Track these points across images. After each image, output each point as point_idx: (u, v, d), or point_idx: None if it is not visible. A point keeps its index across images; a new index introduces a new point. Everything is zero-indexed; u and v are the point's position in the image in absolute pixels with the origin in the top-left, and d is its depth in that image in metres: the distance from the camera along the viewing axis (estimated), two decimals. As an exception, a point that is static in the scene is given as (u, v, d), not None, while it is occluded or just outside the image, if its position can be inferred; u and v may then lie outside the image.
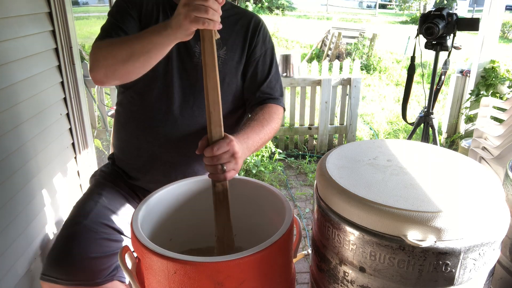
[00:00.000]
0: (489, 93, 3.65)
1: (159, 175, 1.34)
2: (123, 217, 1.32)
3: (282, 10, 18.69)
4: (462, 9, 17.79)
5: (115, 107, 1.49)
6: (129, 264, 0.96)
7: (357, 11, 23.93)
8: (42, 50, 1.93)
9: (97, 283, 1.17)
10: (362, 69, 7.97)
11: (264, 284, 0.89)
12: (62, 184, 2.09)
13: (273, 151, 3.92)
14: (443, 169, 1.06)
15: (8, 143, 1.64)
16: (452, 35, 2.29)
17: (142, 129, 1.33)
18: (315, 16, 18.64)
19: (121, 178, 1.42)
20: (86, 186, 2.14)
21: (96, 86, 3.44)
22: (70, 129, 2.20)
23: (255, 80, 1.35)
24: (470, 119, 3.90)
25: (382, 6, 25.00)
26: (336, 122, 4.23)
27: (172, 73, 1.28)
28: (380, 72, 8.15)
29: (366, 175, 1.00)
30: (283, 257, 0.95)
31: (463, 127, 4.03)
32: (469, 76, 3.90)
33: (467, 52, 6.34)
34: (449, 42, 2.30)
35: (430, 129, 2.54)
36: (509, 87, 3.55)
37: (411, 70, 2.51)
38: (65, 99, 2.13)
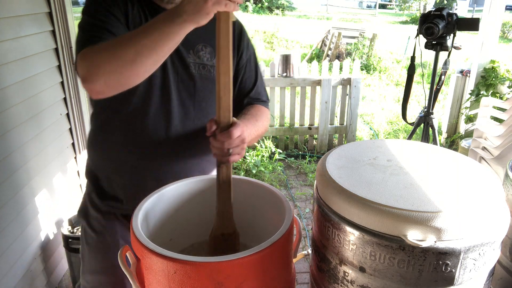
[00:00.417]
0: (489, 93, 3.65)
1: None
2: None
3: (282, 10, 18.70)
4: (462, 9, 17.82)
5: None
6: (129, 264, 0.96)
7: (357, 11, 23.94)
8: (42, 50, 1.93)
9: None
10: (362, 69, 7.97)
11: (264, 284, 0.89)
12: (62, 184, 2.09)
13: (273, 151, 3.92)
14: (443, 169, 1.06)
15: (8, 143, 1.64)
16: (452, 35, 2.30)
17: (138, 156, 1.23)
18: (315, 16, 18.66)
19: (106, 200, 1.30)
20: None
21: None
22: (70, 129, 2.20)
23: (243, 87, 1.35)
24: (470, 119, 3.90)
25: (382, 6, 25.02)
26: (336, 122, 4.23)
27: (169, 85, 1.20)
28: (380, 72, 8.16)
29: (366, 175, 1.00)
30: (283, 257, 0.95)
31: (463, 127, 4.03)
32: (469, 76, 3.90)
33: (467, 52, 6.34)
34: (449, 42, 2.30)
35: (430, 129, 2.54)
36: (509, 87, 3.55)
37: (411, 70, 2.52)
38: (65, 99, 2.13)
